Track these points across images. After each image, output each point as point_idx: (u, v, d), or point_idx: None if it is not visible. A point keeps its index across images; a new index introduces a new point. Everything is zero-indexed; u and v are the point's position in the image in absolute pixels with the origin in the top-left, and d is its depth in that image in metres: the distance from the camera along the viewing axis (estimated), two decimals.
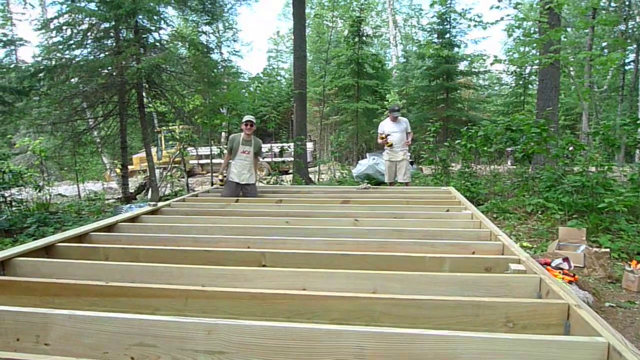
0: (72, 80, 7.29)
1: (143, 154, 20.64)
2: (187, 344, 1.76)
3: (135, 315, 1.85)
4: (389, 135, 7.11)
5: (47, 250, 3.21)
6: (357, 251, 2.95)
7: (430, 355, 1.58)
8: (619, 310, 3.56)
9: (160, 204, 4.95)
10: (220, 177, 6.19)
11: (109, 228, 3.92)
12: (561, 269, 3.78)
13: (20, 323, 1.91)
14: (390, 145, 7.08)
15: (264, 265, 2.87)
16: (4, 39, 8.20)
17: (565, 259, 3.97)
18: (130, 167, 18.89)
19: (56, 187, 11.74)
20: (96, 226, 3.78)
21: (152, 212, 4.65)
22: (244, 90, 13.39)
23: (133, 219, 4.28)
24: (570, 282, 3.48)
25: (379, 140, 7.27)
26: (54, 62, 7.10)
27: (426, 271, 2.60)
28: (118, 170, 10.18)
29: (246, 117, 6.00)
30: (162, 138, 18.70)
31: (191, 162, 20.26)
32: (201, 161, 19.44)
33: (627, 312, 3.53)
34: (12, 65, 7.47)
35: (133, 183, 13.21)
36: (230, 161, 6.05)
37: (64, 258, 3.08)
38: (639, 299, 3.85)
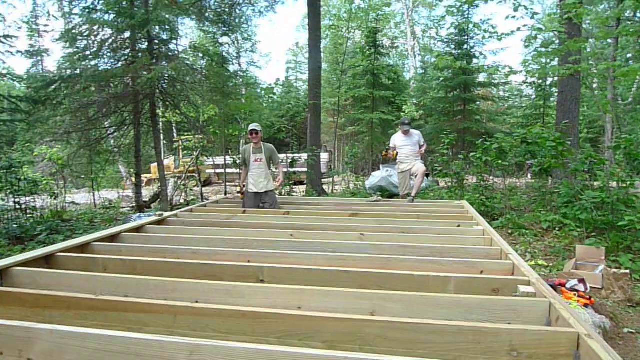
0: (89, 90, 7.39)
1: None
2: None
3: (117, 333, 1.79)
4: (391, 149, 7.19)
5: (47, 260, 3.19)
6: (359, 268, 2.84)
7: None
8: (638, 337, 3.33)
9: (166, 214, 4.92)
10: (239, 189, 6.33)
11: (112, 238, 3.89)
12: (577, 290, 3.58)
13: (4, 336, 1.87)
14: (395, 158, 7.08)
15: (261, 281, 2.79)
16: (31, 50, 8.41)
17: (581, 280, 3.77)
18: (148, 176, 19.21)
19: (73, 195, 11.95)
20: (99, 236, 3.76)
21: (158, 222, 4.62)
22: (260, 100, 13.41)
23: (137, 229, 4.25)
24: (585, 305, 3.28)
25: (383, 154, 7.27)
26: (68, 72, 7.22)
27: (430, 291, 2.48)
28: (134, 179, 10.27)
29: (251, 126, 6.04)
30: (180, 148, 18.95)
31: (208, 171, 20.43)
32: (218, 170, 19.57)
33: None
34: (26, 76, 7.62)
35: (150, 192, 13.35)
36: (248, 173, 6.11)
37: (63, 268, 3.06)
38: None
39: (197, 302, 2.46)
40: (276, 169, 6.60)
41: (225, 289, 2.45)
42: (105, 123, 8.94)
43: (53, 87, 6.97)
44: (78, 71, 7.25)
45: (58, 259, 3.21)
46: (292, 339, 1.96)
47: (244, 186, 6.14)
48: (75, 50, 7.48)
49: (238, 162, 6.38)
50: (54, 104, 7.06)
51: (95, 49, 7.82)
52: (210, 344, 1.67)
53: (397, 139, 7.23)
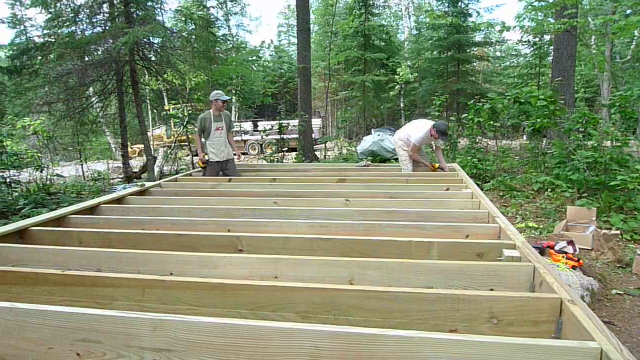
0: (65, 57, 7.08)
1: (153, 133, 20.70)
2: (132, 341, 1.61)
3: (78, 309, 1.70)
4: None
5: (21, 235, 3.08)
6: (341, 235, 2.76)
7: (393, 358, 1.39)
8: (626, 298, 3.30)
9: (148, 183, 4.80)
10: (199, 159, 6.09)
11: (90, 210, 3.78)
12: (565, 252, 3.53)
13: None
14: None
15: (240, 250, 2.71)
16: (12, 18, 8.03)
17: (570, 242, 3.71)
18: (141, 146, 18.95)
19: (62, 168, 11.77)
20: (76, 208, 3.65)
21: (140, 193, 4.50)
22: (248, 64, 13.01)
23: (118, 200, 4.14)
24: (574, 267, 3.23)
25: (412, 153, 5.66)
26: (42, 40, 6.90)
27: (413, 257, 2.40)
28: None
29: (222, 97, 5.82)
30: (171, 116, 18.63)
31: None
32: None
33: (635, 300, 3.27)
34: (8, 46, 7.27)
35: (142, 162, 13.18)
36: (205, 141, 5.95)
37: (38, 243, 2.97)
38: None
39: (171, 274, 2.38)
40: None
41: (200, 260, 2.36)
42: (89, 92, 8.66)
43: (27, 55, 6.67)
44: (52, 38, 6.92)
45: (32, 233, 3.10)
46: (264, 310, 1.89)
47: (205, 154, 5.98)
48: (50, 16, 7.11)
49: (196, 130, 6.15)
50: (30, 72, 6.78)
51: (71, 15, 7.45)
52: (174, 318, 1.58)
53: (424, 141, 5.66)
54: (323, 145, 14.73)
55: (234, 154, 6.10)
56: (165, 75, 8.60)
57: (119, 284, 2.10)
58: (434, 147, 5.74)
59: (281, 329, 1.47)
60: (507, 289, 2.03)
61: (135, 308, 2.02)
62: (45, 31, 7.52)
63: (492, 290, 2.02)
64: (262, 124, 18.10)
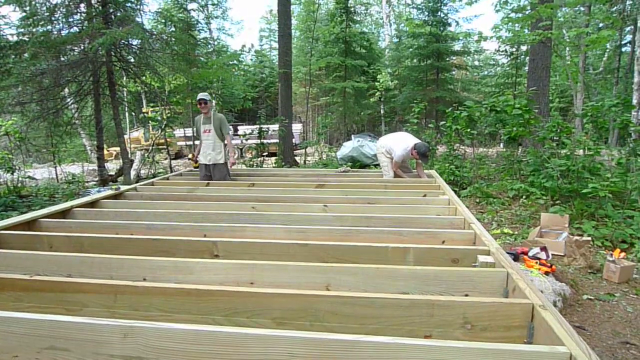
0: (39, 57, 6.89)
1: (131, 135, 20.32)
2: (102, 348, 1.57)
3: (46, 316, 1.65)
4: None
5: None
6: (318, 240, 2.75)
7: None
8: (597, 303, 3.38)
9: (124, 187, 4.70)
10: (192, 159, 6.11)
11: (62, 214, 3.68)
12: (538, 258, 3.61)
13: None
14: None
15: (216, 256, 2.67)
16: None
17: (543, 248, 3.79)
18: (116, 149, 18.57)
19: (35, 170, 11.45)
20: (48, 212, 3.54)
21: (115, 197, 4.41)
22: (229, 68, 12.92)
23: (92, 204, 4.04)
24: (547, 273, 3.30)
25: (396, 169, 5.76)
26: (16, 38, 6.71)
27: (389, 263, 2.42)
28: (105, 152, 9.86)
29: (199, 95, 5.72)
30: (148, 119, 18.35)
31: (179, 143, 19.88)
32: (189, 142, 19.10)
33: (605, 305, 3.35)
34: None
35: (118, 165, 12.91)
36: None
37: (6, 247, 2.87)
38: (619, 291, 3.68)
39: (144, 279, 2.33)
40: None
41: (175, 265, 2.32)
42: (63, 93, 8.45)
43: (0, 54, 6.48)
44: (25, 37, 6.73)
45: (1, 237, 3.00)
46: (240, 317, 1.87)
47: (196, 155, 5.98)
48: (24, 14, 6.92)
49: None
50: (2, 72, 6.57)
51: (47, 13, 7.27)
52: (145, 325, 1.55)
53: (406, 158, 5.81)
54: (303, 150, 14.74)
55: (227, 160, 5.83)
56: (144, 78, 8.47)
57: (90, 289, 2.04)
58: (416, 161, 5.82)
59: (257, 336, 1.46)
60: (482, 294, 2.05)
61: (106, 315, 1.97)
62: (19, 30, 7.32)
63: (467, 295, 2.05)
64: (242, 128, 18.01)
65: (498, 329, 1.71)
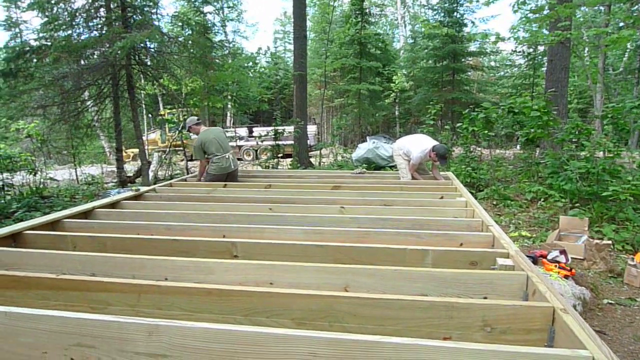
0: (61, 61, 7.06)
1: (148, 137, 20.63)
2: (127, 346, 1.61)
3: (73, 314, 1.69)
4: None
5: (15, 238, 3.06)
6: (335, 242, 2.77)
7: None
8: (618, 308, 3.32)
9: (143, 188, 4.79)
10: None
11: (85, 214, 3.77)
12: (558, 262, 3.56)
13: None
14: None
15: (235, 256, 2.71)
16: (7, 21, 8.02)
17: (563, 252, 3.74)
18: (135, 151, 18.85)
19: (55, 172, 11.69)
20: (70, 212, 3.63)
21: (135, 198, 4.49)
22: (244, 70, 13.02)
23: (112, 205, 4.12)
24: (566, 276, 3.26)
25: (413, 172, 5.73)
26: (38, 43, 6.88)
27: (407, 264, 2.42)
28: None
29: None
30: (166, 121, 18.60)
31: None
32: None
33: (626, 310, 3.29)
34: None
35: (136, 167, 13.12)
36: None
37: (31, 247, 2.95)
38: None
39: (166, 279, 2.38)
40: None
41: (195, 265, 2.36)
42: (84, 95, 8.63)
43: (23, 58, 6.65)
44: (49, 42, 6.90)
45: (26, 237, 3.08)
46: (260, 317, 1.89)
47: None
48: (46, 19, 7.10)
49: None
50: (25, 76, 6.74)
51: (68, 18, 7.45)
52: (169, 324, 1.58)
53: (424, 159, 5.78)
54: (318, 152, 14.78)
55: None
56: (162, 80, 8.61)
57: (114, 288, 2.09)
58: (432, 164, 5.81)
59: (278, 335, 1.48)
60: (500, 297, 2.04)
61: (129, 313, 2.01)
62: (41, 34, 7.50)
63: (485, 298, 2.04)
64: (257, 130, 18.12)
65: (518, 332, 1.70)
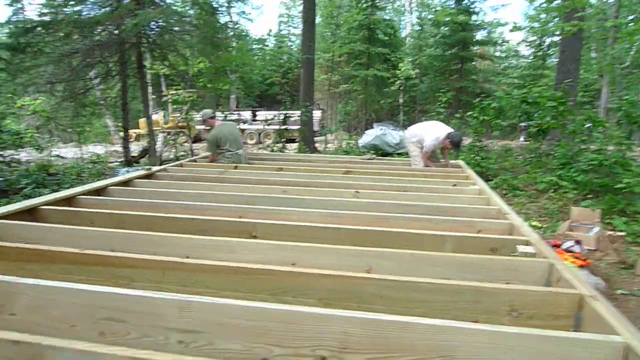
0: (71, 37, 6.98)
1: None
2: (158, 321, 1.61)
3: (105, 288, 1.70)
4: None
5: (31, 213, 3.06)
6: (353, 225, 2.77)
7: (421, 346, 1.41)
8: (631, 299, 3.35)
9: (154, 168, 4.78)
10: None
11: (98, 192, 3.76)
12: (572, 252, 3.58)
13: None
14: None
15: (254, 237, 2.71)
16: None
17: (577, 242, 3.76)
18: (137, 131, 18.78)
19: (59, 149, 11.67)
20: (85, 189, 3.63)
21: (146, 177, 4.49)
22: (251, 52, 12.90)
23: (125, 183, 4.12)
24: (581, 266, 3.27)
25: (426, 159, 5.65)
26: (48, 18, 6.79)
27: (425, 249, 2.42)
28: (122, 133, 10.01)
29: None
30: (170, 102, 18.48)
31: (198, 127, 20.02)
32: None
33: None
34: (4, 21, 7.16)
35: (139, 147, 13.09)
36: None
37: (48, 222, 2.95)
38: None
39: (187, 257, 2.38)
40: None
41: (216, 244, 2.36)
42: (90, 73, 8.56)
43: (32, 33, 6.57)
44: (60, 17, 6.81)
45: (42, 212, 3.09)
46: (286, 296, 1.90)
47: None
48: None
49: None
50: (34, 51, 6.68)
51: None
52: (202, 300, 1.59)
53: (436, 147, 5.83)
54: (323, 137, 14.72)
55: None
56: (170, 60, 8.53)
57: (138, 264, 2.09)
58: (441, 150, 5.82)
59: (313, 314, 1.48)
60: (522, 283, 2.04)
61: (154, 289, 2.00)
62: (50, 9, 7.40)
63: (507, 284, 2.05)
64: (261, 114, 18.00)
65: (545, 317, 1.71)
